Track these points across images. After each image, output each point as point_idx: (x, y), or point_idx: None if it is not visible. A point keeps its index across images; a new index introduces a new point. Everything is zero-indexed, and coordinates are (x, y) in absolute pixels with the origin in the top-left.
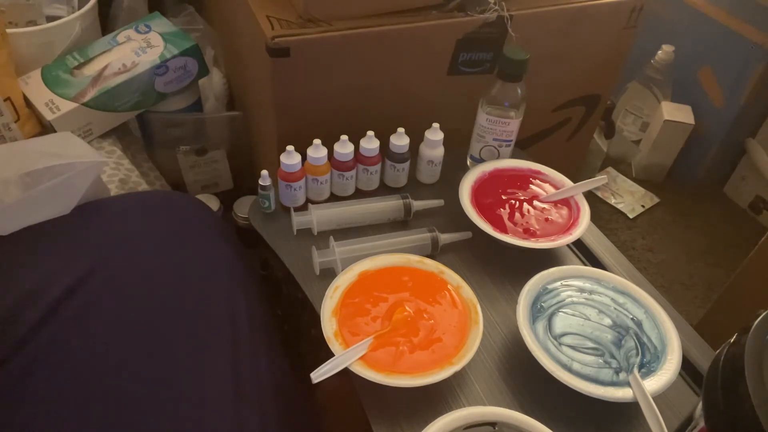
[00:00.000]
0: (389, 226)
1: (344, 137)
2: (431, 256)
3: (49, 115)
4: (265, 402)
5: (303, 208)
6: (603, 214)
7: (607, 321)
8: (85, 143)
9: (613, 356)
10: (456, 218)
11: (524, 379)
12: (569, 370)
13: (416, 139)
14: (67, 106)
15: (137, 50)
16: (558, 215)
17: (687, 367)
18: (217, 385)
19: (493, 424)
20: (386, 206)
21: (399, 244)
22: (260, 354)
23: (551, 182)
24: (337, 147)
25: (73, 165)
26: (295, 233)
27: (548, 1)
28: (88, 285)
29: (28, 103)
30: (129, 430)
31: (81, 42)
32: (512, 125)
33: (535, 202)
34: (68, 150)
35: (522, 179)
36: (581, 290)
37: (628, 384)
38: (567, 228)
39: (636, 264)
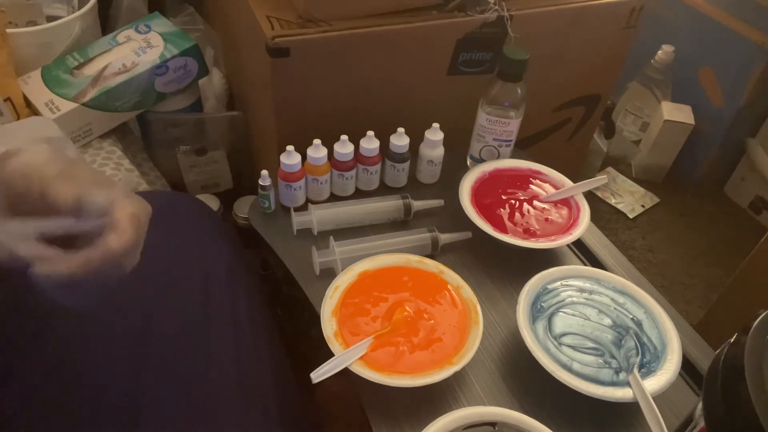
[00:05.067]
0: (389, 226)
1: (344, 137)
2: (431, 256)
3: (49, 115)
4: (267, 398)
5: (303, 208)
6: (603, 214)
7: (607, 321)
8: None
9: (613, 356)
10: (456, 218)
11: (524, 379)
12: (569, 370)
13: (416, 139)
14: (67, 106)
15: (137, 50)
16: (558, 215)
17: (687, 367)
18: (221, 381)
19: (493, 424)
20: (386, 206)
21: (399, 244)
22: (262, 353)
23: (551, 182)
24: (337, 147)
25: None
26: (295, 233)
27: (548, 1)
28: None
29: (28, 103)
30: (131, 426)
31: (81, 42)
32: (512, 125)
33: (535, 202)
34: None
35: (522, 179)
36: (581, 290)
37: (628, 384)
38: (567, 228)
39: (636, 264)
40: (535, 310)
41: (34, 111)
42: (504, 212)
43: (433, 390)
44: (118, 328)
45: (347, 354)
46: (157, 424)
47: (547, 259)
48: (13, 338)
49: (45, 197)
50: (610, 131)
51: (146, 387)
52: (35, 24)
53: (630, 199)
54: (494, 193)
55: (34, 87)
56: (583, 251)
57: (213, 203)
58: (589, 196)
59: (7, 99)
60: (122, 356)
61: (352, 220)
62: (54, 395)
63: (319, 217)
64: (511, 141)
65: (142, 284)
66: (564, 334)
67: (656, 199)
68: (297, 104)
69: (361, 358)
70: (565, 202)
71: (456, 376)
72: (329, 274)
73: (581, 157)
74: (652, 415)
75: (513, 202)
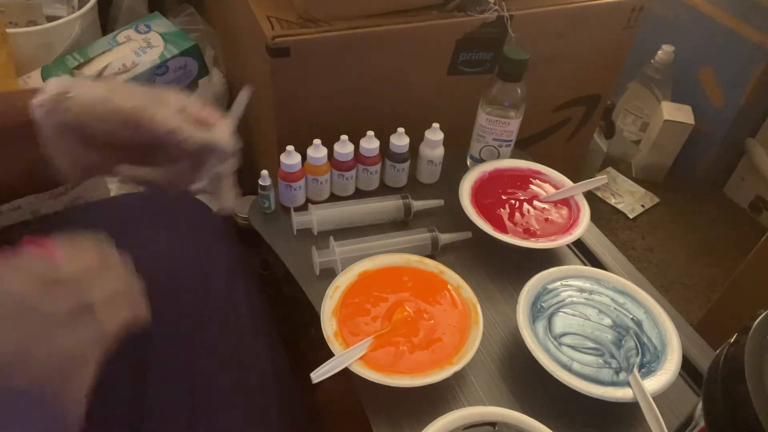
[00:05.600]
0: (389, 226)
1: (344, 137)
2: (431, 256)
3: None
4: (267, 398)
5: (303, 208)
6: (603, 214)
7: (607, 321)
8: None
9: (613, 356)
10: (456, 218)
11: (524, 379)
12: (569, 370)
13: (416, 139)
14: None
15: (137, 50)
16: (558, 215)
17: (687, 367)
18: (222, 381)
19: (493, 424)
20: (386, 206)
21: (399, 244)
22: (263, 353)
23: (551, 182)
24: (337, 147)
25: None
26: (295, 233)
27: (548, 1)
28: None
29: None
30: (136, 425)
31: (81, 42)
32: (512, 125)
33: (535, 202)
34: None
35: (522, 179)
36: (581, 290)
37: (628, 384)
38: (567, 228)
39: (636, 264)
40: (535, 310)
41: None
42: (504, 212)
43: (433, 390)
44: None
45: (347, 354)
46: (160, 423)
47: (547, 259)
48: None
49: (143, 124)
50: (610, 131)
51: (149, 386)
52: (35, 24)
53: (630, 199)
54: (494, 193)
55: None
56: (583, 251)
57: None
58: (589, 196)
59: None
60: (126, 355)
61: (352, 220)
62: None
63: (319, 217)
64: (511, 141)
65: (144, 280)
66: (564, 334)
67: (656, 199)
68: (297, 104)
69: (361, 358)
70: (565, 202)
71: (456, 376)
72: (329, 274)
73: (581, 157)
74: (652, 415)
75: (513, 202)
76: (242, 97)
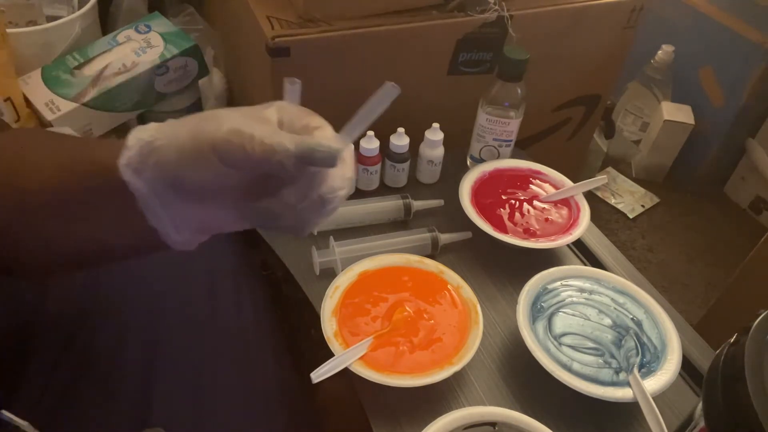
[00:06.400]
0: (389, 226)
1: None
2: (431, 256)
3: (49, 115)
4: (270, 398)
5: None
6: (603, 214)
7: (607, 321)
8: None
9: (613, 356)
10: (456, 218)
11: (524, 379)
12: (569, 370)
13: (416, 139)
14: (67, 106)
15: (137, 50)
16: (558, 215)
17: (687, 367)
18: (226, 382)
19: (493, 424)
20: (386, 206)
21: (399, 244)
22: (266, 352)
23: (551, 182)
24: None
25: None
26: None
27: (548, 1)
28: (90, 287)
29: (28, 103)
30: (141, 422)
31: (81, 42)
32: (512, 125)
33: (535, 202)
34: None
35: (522, 179)
36: (581, 290)
37: (628, 384)
38: (567, 228)
39: (636, 264)
40: (535, 310)
41: (34, 111)
42: (504, 212)
43: (433, 390)
44: (129, 326)
45: (347, 354)
46: (166, 422)
47: (547, 259)
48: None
49: (235, 151)
50: (610, 131)
51: (156, 385)
52: (35, 24)
53: (630, 199)
54: (494, 193)
55: (35, 87)
56: (583, 251)
57: None
58: (589, 196)
59: (8, 99)
60: (133, 353)
61: (352, 220)
62: (65, 385)
63: None
64: (511, 141)
65: (150, 281)
66: (564, 334)
67: (656, 199)
68: None
69: (361, 358)
70: (565, 202)
71: (456, 376)
72: (329, 274)
73: (581, 157)
74: (652, 415)
75: (513, 202)
76: (383, 97)
